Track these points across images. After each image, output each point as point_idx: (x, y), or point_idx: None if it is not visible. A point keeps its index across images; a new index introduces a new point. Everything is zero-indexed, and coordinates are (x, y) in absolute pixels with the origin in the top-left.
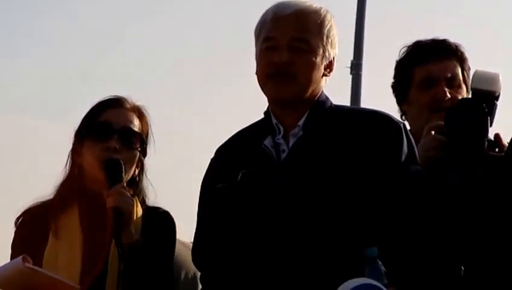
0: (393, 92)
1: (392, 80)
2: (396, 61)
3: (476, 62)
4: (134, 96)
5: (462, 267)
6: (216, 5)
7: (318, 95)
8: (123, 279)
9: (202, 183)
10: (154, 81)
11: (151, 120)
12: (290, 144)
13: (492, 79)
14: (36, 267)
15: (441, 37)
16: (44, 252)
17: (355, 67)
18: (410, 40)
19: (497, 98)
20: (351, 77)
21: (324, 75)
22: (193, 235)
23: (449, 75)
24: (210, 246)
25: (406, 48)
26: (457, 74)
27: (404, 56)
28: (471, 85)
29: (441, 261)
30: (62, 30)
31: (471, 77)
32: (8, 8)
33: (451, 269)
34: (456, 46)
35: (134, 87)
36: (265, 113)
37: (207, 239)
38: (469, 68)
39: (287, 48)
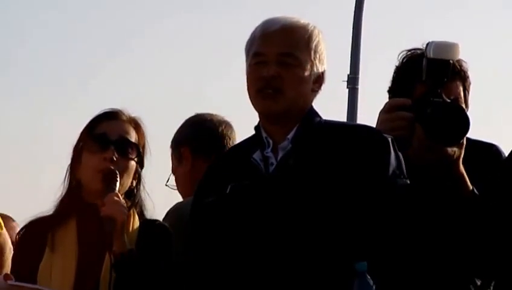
0: (390, 96)
1: (390, 84)
2: (397, 68)
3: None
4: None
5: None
6: None
7: (308, 109)
8: (114, 288)
9: (193, 198)
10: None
11: (148, 132)
12: (279, 157)
13: (451, 47)
14: (18, 283)
15: None
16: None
17: (352, 81)
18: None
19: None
20: (347, 90)
21: (313, 90)
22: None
23: (452, 97)
24: (199, 259)
25: (407, 58)
26: (460, 96)
27: (406, 68)
28: (430, 56)
29: (427, 273)
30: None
31: (428, 49)
32: None
33: (437, 283)
34: (460, 66)
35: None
36: (256, 127)
37: (196, 252)
38: (470, 84)
39: (275, 62)
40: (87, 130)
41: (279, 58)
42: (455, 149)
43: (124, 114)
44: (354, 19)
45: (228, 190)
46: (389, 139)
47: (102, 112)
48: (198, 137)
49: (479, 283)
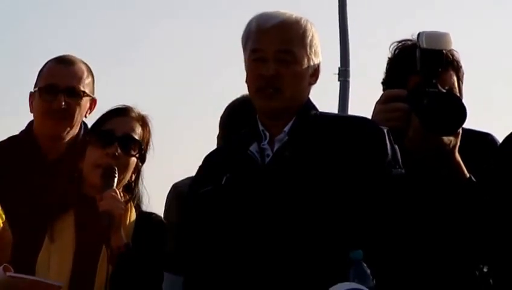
0: (384, 88)
1: (384, 76)
2: (390, 59)
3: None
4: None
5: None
6: None
7: (304, 102)
8: (111, 281)
9: (189, 189)
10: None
11: (154, 129)
12: (275, 148)
13: (443, 37)
14: (17, 274)
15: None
16: (39, 254)
17: (343, 74)
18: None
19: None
20: (338, 83)
21: (310, 83)
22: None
23: (446, 88)
24: (193, 249)
25: (399, 49)
26: (454, 86)
27: (399, 60)
28: (423, 46)
29: (423, 263)
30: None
31: (420, 40)
32: None
33: (434, 271)
34: (453, 56)
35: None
36: (253, 120)
37: (190, 242)
38: (463, 74)
39: (274, 60)
40: (96, 124)
41: (277, 55)
42: (451, 138)
43: (133, 111)
44: (338, 12)
45: (224, 180)
46: (385, 130)
47: (113, 108)
48: (229, 125)
49: (484, 269)
